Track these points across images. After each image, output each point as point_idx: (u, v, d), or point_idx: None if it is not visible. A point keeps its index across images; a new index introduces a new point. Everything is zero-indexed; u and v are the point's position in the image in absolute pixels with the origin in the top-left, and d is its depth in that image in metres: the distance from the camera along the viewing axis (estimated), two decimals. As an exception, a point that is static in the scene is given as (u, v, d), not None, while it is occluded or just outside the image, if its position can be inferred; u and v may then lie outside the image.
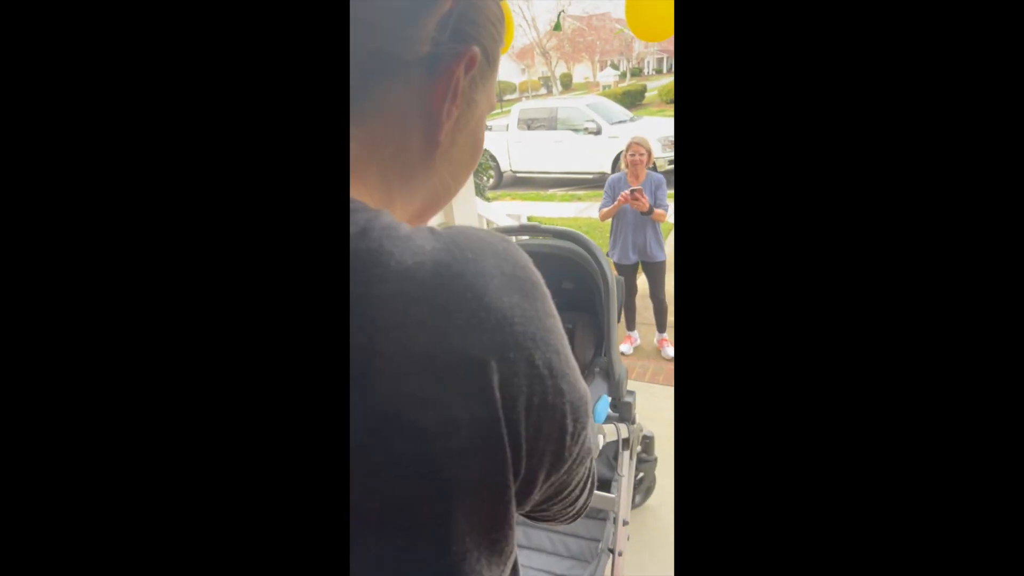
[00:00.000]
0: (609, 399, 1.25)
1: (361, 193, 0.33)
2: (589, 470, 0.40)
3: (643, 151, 2.67)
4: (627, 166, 2.73)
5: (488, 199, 5.64)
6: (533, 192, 8.09)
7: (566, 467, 0.33)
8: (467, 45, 0.33)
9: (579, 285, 1.42)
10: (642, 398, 2.27)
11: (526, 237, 1.55)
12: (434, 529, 0.27)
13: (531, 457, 0.30)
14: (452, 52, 0.33)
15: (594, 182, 8.05)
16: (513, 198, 7.82)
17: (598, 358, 1.43)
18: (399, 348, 0.26)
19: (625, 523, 1.26)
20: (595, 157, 7.85)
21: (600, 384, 1.35)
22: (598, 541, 1.43)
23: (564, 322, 0.35)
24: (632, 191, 2.56)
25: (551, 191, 8.05)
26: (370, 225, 0.28)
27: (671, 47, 32.11)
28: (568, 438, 0.32)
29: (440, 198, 0.39)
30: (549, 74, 22.61)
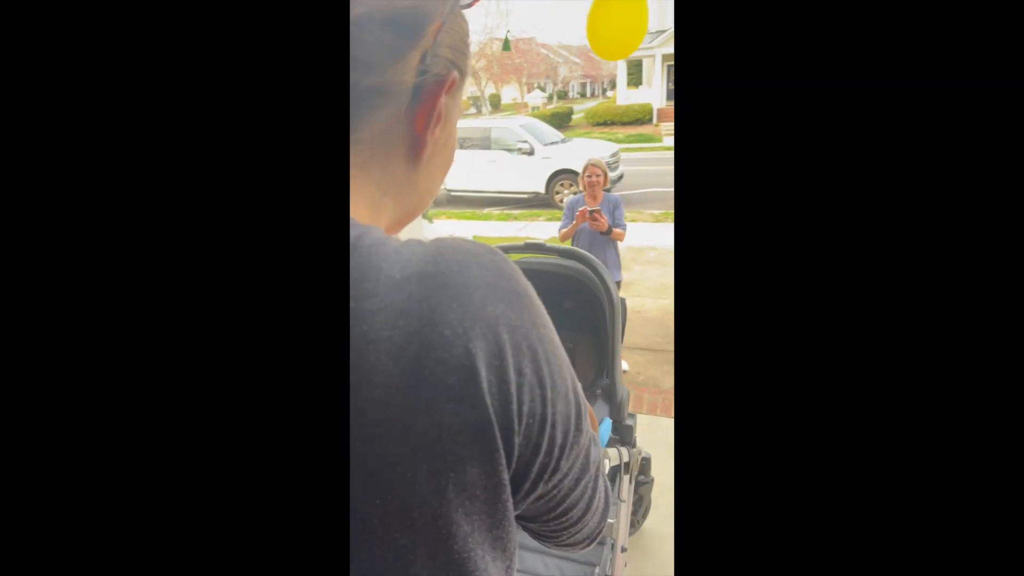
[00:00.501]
0: (611, 422, 1.19)
1: (350, 209, 0.34)
2: (594, 491, 0.39)
3: (599, 172, 2.70)
4: (584, 187, 2.75)
5: (430, 219, 5.51)
6: (469, 211, 8.03)
7: (555, 481, 0.33)
8: (449, 71, 0.36)
9: (581, 305, 1.38)
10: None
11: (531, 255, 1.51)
12: (435, 531, 0.28)
13: (519, 463, 0.30)
14: (436, 80, 0.35)
15: (529, 202, 8.12)
16: (449, 217, 7.71)
17: (600, 380, 1.38)
18: (390, 359, 0.27)
19: (623, 550, 1.22)
20: (529, 177, 7.92)
21: (602, 406, 1.29)
22: (594, 566, 1.37)
23: (564, 342, 0.34)
24: (591, 211, 2.55)
25: (487, 210, 8.02)
26: (360, 241, 0.30)
27: (595, 72, 33.58)
28: (557, 450, 0.32)
29: (420, 206, 0.41)
30: (479, 94, 22.86)
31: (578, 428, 0.33)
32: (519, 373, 0.29)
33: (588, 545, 0.43)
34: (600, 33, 1.55)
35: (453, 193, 8.54)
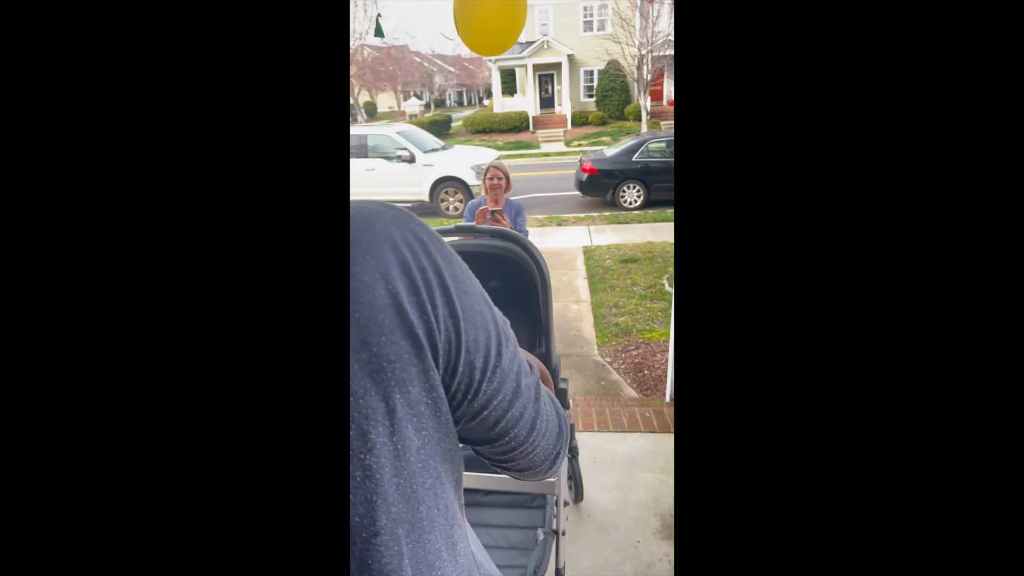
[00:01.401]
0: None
1: None
2: (536, 412, 0.42)
3: (502, 175, 2.63)
4: (487, 191, 2.67)
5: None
6: (349, 223, 7.61)
7: (481, 402, 0.38)
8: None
9: (507, 282, 1.43)
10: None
11: (458, 238, 1.59)
12: (392, 446, 0.33)
13: (453, 392, 0.36)
14: None
15: (414, 210, 7.86)
16: (327, 230, 7.25)
17: (535, 349, 1.45)
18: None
19: (566, 504, 1.33)
20: (412, 185, 7.72)
21: None
22: (536, 528, 1.46)
23: None
24: (492, 212, 2.47)
25: (368, 221, 7.67)
26: None
27: (470, 81, 33.94)
28: (478, 374, 0.37)
29: None
30: (352, 102, 22.08)
31: (498, 355, 0.38)
32: (434, 306, 0.34)
33: (551, 468, 0.46)
34: (469, 26, 1.47)
35: (330, 205, 8.06)
